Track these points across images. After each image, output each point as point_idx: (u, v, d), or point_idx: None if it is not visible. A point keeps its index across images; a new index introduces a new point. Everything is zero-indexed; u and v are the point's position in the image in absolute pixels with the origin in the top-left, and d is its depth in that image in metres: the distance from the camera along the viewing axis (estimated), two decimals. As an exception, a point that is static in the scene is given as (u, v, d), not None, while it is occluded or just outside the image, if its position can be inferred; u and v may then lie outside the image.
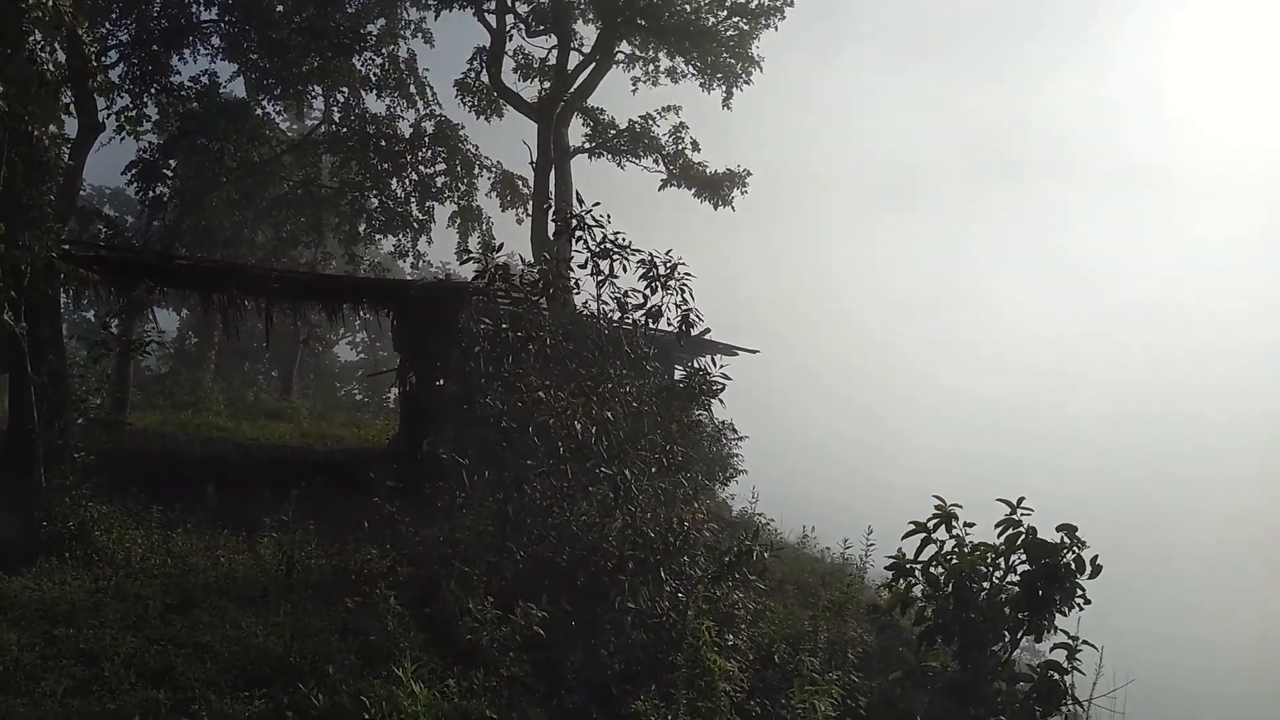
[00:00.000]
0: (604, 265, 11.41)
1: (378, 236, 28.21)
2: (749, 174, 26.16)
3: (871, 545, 15.78)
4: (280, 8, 24.24)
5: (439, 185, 27.24)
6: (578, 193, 11.67)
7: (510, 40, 27.27)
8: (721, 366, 13.03)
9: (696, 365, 14.07)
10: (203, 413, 24.21)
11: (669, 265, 11.15)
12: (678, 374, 15.72)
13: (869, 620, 12.64)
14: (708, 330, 20.46)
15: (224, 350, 33.88)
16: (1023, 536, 7.25)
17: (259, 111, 25.85)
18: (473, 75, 27.65)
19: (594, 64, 26.41)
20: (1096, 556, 7.14)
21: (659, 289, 11.22)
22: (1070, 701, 7.18)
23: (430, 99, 27.35)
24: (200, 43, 24.17)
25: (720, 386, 12.60)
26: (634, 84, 27.70)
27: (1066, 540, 7.17)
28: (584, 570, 10.03)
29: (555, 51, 27.04)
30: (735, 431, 20.47)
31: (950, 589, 7.42)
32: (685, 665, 8.26)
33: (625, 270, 11.53)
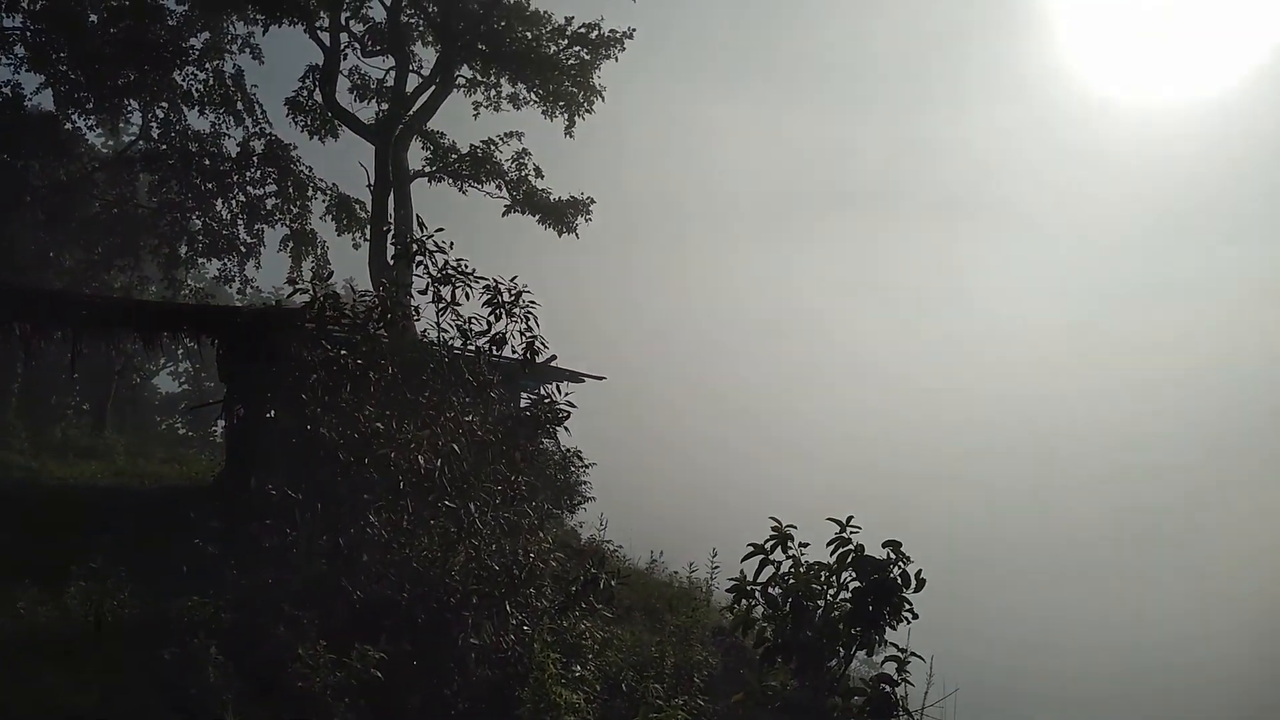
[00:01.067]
0: (445, 292, 11.19)
1: (201, 260, 26.73)
2: (592, 201, 26.39)
3: (716, 568, 16.11)
4: (94, 18, 22.74)
5: (269, 207, 26.15)
6: (419, 217, 11.43)
7: (345, 59, 26.57)
8: (567, 394, 13.00)
9: (543, 393, 13.99)
10: (2, 451, 22.20)
11: (513, 292, 11.05)
12: (524, 402, 15.60)
13: (714, 643, 12.85)
14: (554, 357, 20.45)
15: (28, 382, 31.18)
16: (852, 554, 7.54)
17: (69, 126, 24.11)
18: (305, 94, 26.70)
19: (434, 87, 26.06)
20: (920, 570, 7.50)
21: (503, 316, 11.09)
22: (901, 712, 7.49)
23: (260, 117, 26.28)
24: (2, 51, 22.38)
25: (566, 414, 12.56)
26: (475, 109, 27.55)
27: (893, 555, 7.50)
28: (425, 608, 9.71)
29: (393, 73, 26.51)
30: (582, 459, 20.52)
31: (788, 608, 7.62)
32: (530, 700, 8.13)
33: (468, 297, 11.37)
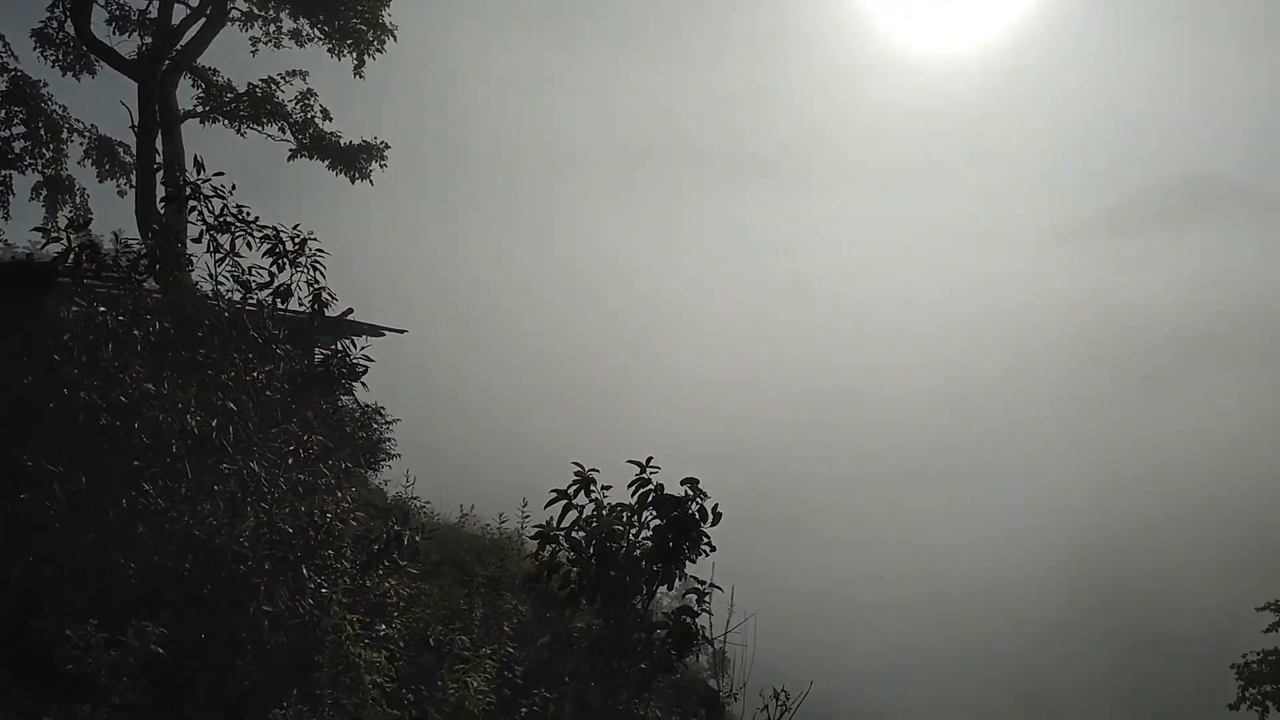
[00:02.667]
0: (224, 240, 10.41)
1: (-66, 211, 23.67)
2: (387, 146, 25.22)
3: (526, 517, 16.15)
4: None
5: (17, 151, 23.38)
6: (197, 158, 10.49)
7: (100, -14, 23.90)
8: (364, 348, 12.48)
9: (338, 348, 13.37)
10: None
11: (297, 240, 10.41)
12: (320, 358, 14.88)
13: (524, 590, 12.91)
14: (350, 311, 19.55)
15: None
16: (652, 494, 7.70)
17: None
18: (55, 25, 23.87)
19: (204, 19, 23.94)
20: (717, 505, 7.77)
21: (286, 266, 10.44)
22: (701, 641, 7.78)
23: (2, 51, 23.32)
24: None
25: (362, 369, 12.08)
26: (254, 45, 25.57)
27: (691, 493, 7.73)
28: (212, 577, 9.15)
29: (156, 2, 24.14)
30: (384, 415, 19.86)
31: (591, 551, 7.71)
32: (328, 664, 7.86)
33: (250, 247, 10.63)
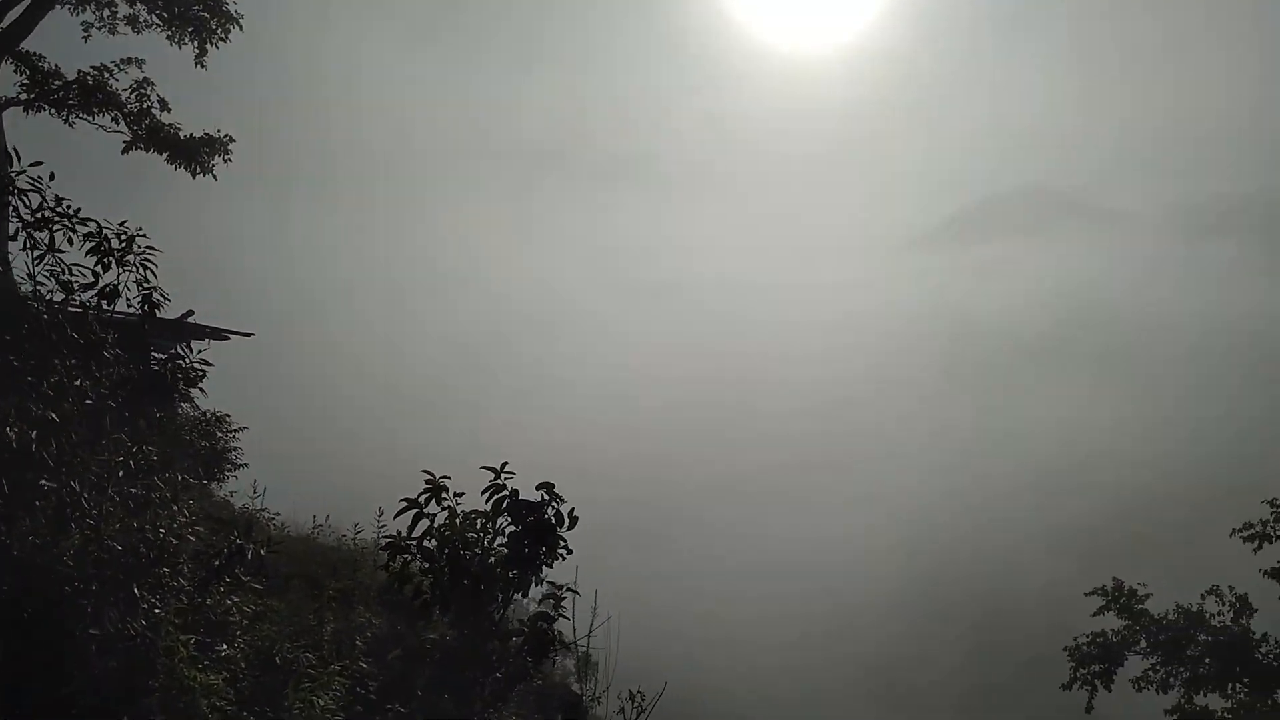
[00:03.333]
0: (42, 237, 9.64)
1: None
2: (231, 140, 23.99)
3: (383, 527, 15.64)
4: None
5: None
6: (14, 150, 9.66)
7: (-94, -39, 21.85)
8: (201, 351, 11.81)
9: (178, 352, 12.61)
10: None
11: (125, 237, 9.74)
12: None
13: (379, 603, 12.50)
14: (190, 313, 18.49)
15: None
16: (507, 499, 7.58)
17: None
18: None
19: (29, 1, 22.26)
20: (573, 509, 7.71)
21: (114, 264, 9.76)
22: (559, 646, 7.71)
23: None
24: None
25: (200, 374, 11.42)
26: (86, 30, 23.93)
27: (547, 497, 7.64)
28: (35, 599, 8.47)
29: (-27, -19, 22.26)
30: (229, 422, 18.93)
31: (445, 560, 7.52)
32: (162, 688, 7.38)
33: (71, 243, 9.89)
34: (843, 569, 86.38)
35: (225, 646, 8.96)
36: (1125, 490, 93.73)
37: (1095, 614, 17.27)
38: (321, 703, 7.07)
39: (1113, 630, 16.76)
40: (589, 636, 9.56)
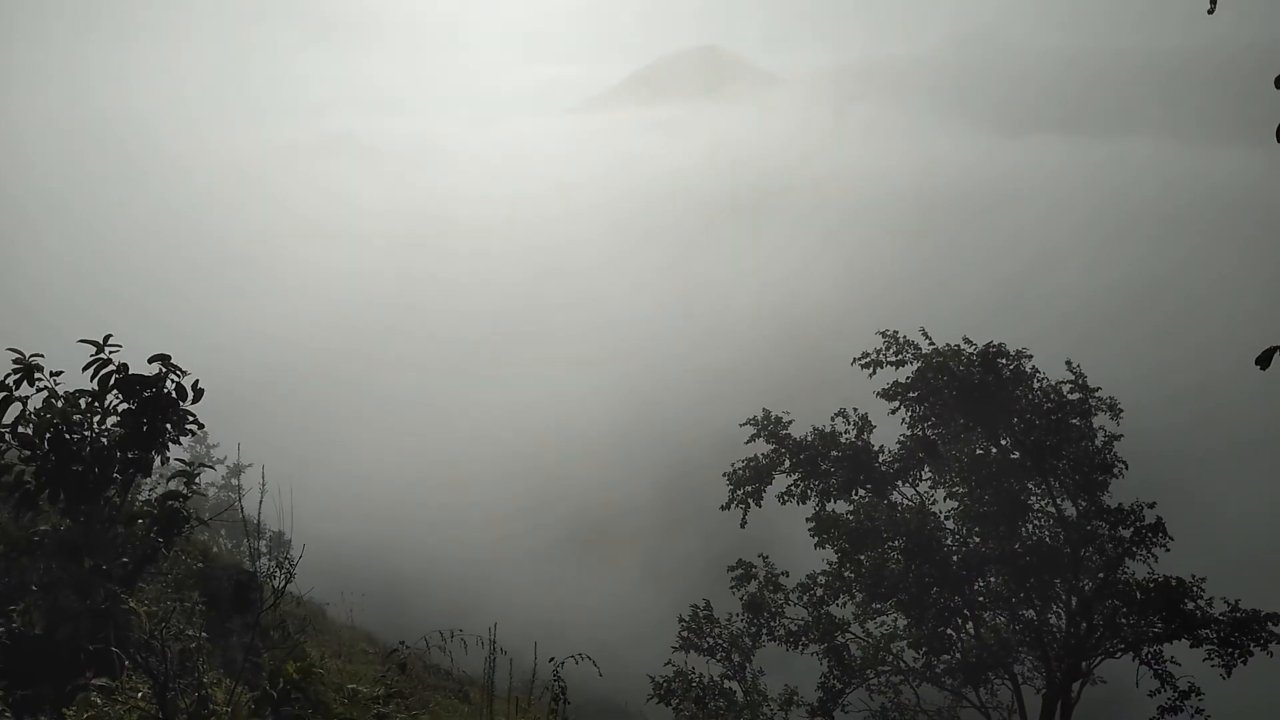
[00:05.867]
0: None
1: None
2: None
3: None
4: None
5: None
6: None
7: None
8: None
9: None
10: None
11: None
12: None
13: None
14: None
15: None
16: (115, 375, 6.94)
17: None
18: None
19: None
20: (198, 381, 7.22)
21: None
22: (193, 524, 7.35)
23: None
24: None
25: None
26: None
27: (164, 370, 7.09)
28: None
29: None
30: None
31: (47, 446, 6.80)
32: None
33: None
34: (553, 435, 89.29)
35: None
36: (791, 332, 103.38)
37: (748, 441, 19.17)
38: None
39: (762, 454, 18.76)
40: (259, 509, 9.19)
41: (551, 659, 8.75)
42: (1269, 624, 15.44)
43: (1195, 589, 15.76)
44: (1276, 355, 6.99)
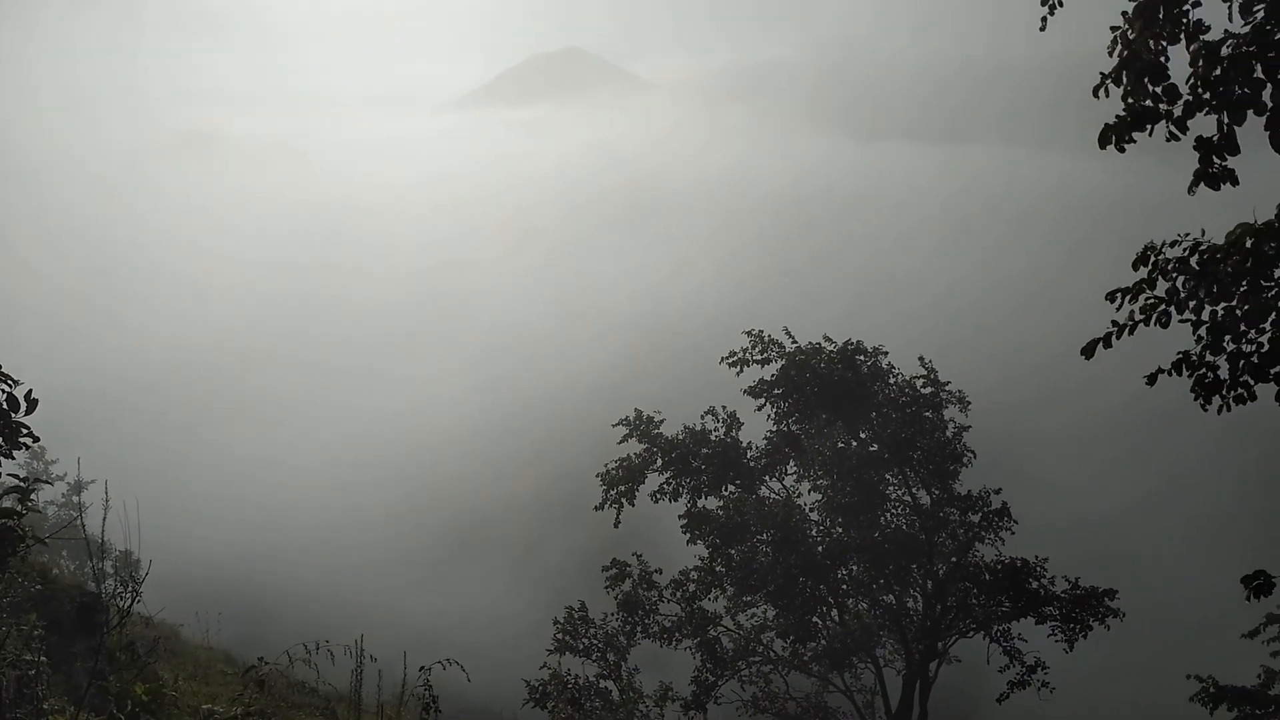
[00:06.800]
0: None
1: None
2: None
3: None
4: None
5: None
6: None
7: None
8: None
9: None
10: None
11: None
12: None
13: None
14: None
15: None
16: (-66, 386, 6.45)
17: None
18: None
19: None
20: (31, 391, 6.79)
21: None
22: (29, 543, 6.89)
23: None
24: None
25: None
26: None
27: (-8, 380, 6.63)
28: None
29: None
30: None
31: None
32: None
33: None
34: (428, 437, 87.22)
35: None
36: (668, 332, 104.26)
37: (621, 441, 19.35)
38: None
39: (635, 454, 18.96)
40: (102, 531, 8.67)
41: (422, 667, 8.62)
42: (1105, 599, 16.61)
43: (1039, 569, 16.82)
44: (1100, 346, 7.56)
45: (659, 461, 18.61)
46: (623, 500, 18.63)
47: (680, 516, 18.51)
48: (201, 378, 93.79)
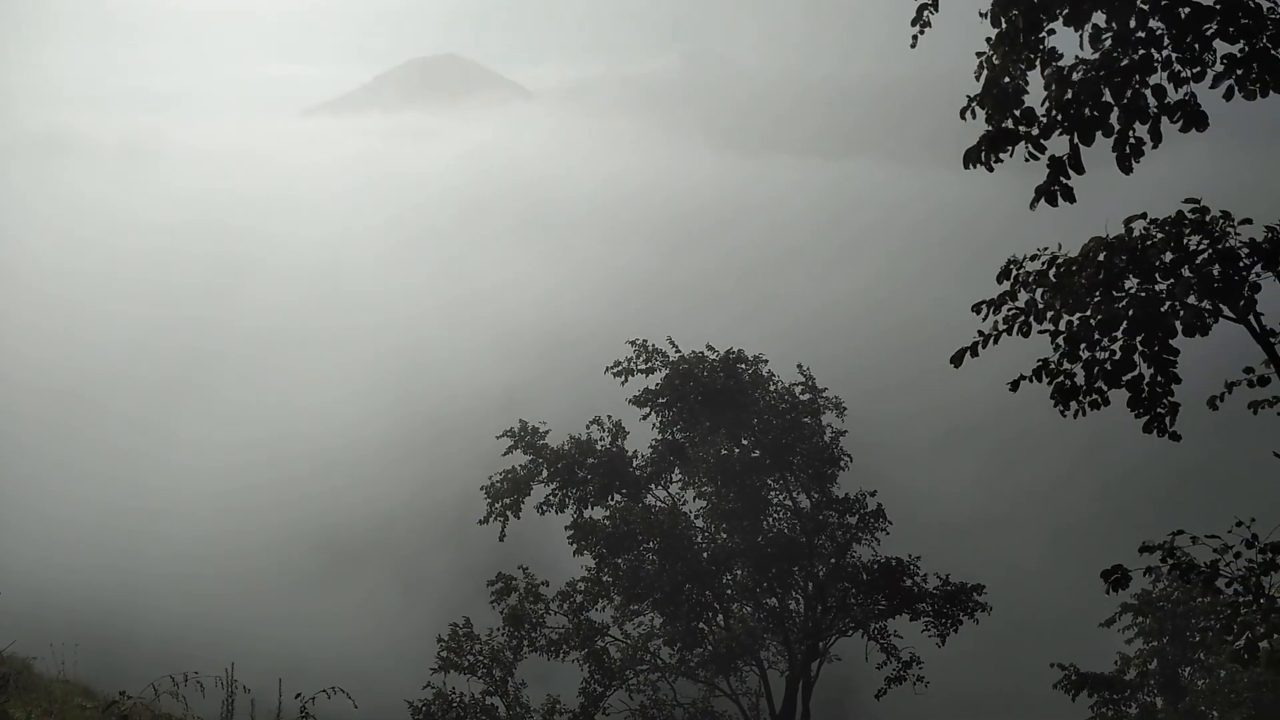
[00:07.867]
0: None
1: None
2: None
3: None
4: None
5: None
6: None
7: None
8: None
9: None
10: None
11: None
12: None
13: None
14: None
15: None
16: None
17: None
18: None
19: None
20: None
21: None
22: None
23: None
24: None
25: None
26: None
27: None
28: None
29: None
30: None
31: None
32: None
33: None
34: (305, 448, 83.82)
35: None
36: (556, 341, 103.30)
37: (505, 453, 19.10)
38: None
39: (520, 465, 18.75)
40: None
41: (298, 695, 8.27)
42: (974, 594, 17.36)
43: (912, 567, 17.45)
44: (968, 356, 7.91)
45: (544, 473, 18.48)
46: (508, 513, 18.41)
47: (567, 527, 18.42)
48: (57, 399, 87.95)
